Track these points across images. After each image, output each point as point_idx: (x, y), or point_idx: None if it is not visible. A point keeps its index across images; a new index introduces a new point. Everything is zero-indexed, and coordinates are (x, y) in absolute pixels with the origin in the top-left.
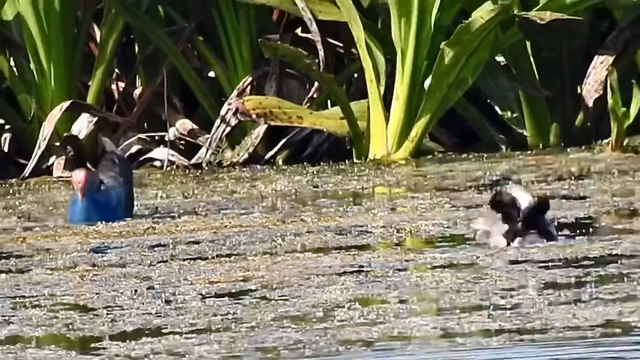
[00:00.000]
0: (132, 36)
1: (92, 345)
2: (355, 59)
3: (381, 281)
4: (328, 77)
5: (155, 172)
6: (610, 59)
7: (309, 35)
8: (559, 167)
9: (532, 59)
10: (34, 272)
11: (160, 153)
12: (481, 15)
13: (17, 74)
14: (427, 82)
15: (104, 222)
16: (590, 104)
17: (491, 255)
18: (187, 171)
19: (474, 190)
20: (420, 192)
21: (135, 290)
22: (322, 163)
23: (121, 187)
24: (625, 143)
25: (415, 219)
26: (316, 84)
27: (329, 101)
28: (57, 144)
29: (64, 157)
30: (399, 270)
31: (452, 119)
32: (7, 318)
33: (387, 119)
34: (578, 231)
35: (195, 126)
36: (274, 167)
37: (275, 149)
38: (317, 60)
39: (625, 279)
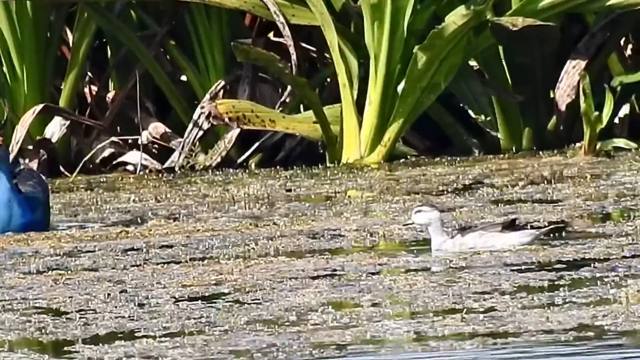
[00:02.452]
0: (104, 40)
1: (65, 348)
2: (328, 63)
3: (354, 285)
4: (301, 81)
5: (128, 176)
6: (583, 64)
7: (281, 40)
8: (531, 170)
9: (504, 64)
10: (7, 276)
11: (133, 157)
12: (454, 20)
13: None
14: (401, 87)
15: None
16: (563, 108)
17: (464, 258)
18: (160, 175)
19: (447, 194)
20: (393, 196)
21: (109, 294)
22: (295, 167)
23: (39, 194)
24: (597, 147)
25: (388, 223)
26: (289, 88)
27: (301, 105)
28: (30, 147)
29: (37, 160)
30: (372, 273)
31: (425, 123)
32: None
33: (360, 123)
34: (551, 235)
35: (168, 130)
36: (247, 171)
37: (248, 152)
38: (289, 64)
39: (598, 282)
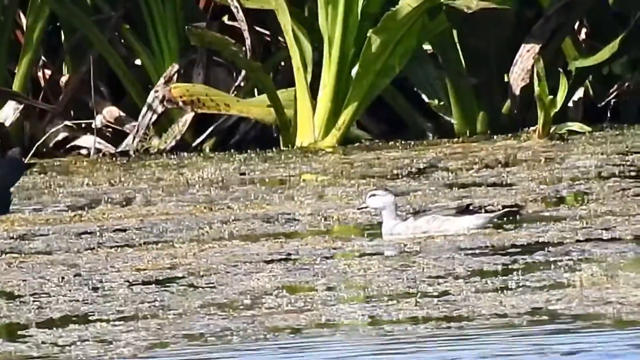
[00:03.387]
0: (58, 24)
1: (19, 332)
2: (282, 47)
3: (309, 269)
4: (255, 65)
5: (82, 160)
6: (537, 48)
7: (235, 23)
8: (485, 154)
9: (459, 48)
10: None
11: (87, 141)
12: (408, 2)
13: None
14: (355, 70)
15: None
16: (517, 92)
17: (418, 242)
18: (114, 159)
19: (401, 178)
20: (347, 180)
21: (62, 278)
22: (249, 151)
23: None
24: (551, 131)
25: (342, 207)
26: (243, 72)
27: (256, 89)
28: None
29: None
30: (327, 257)
31: (379, 107)
32: None
33: (314, 107)
34: (505, 219)
35: (122, 114)
36: (201, 155)
37: (203, 136)
38: (244, 48)
39: (552, 266)
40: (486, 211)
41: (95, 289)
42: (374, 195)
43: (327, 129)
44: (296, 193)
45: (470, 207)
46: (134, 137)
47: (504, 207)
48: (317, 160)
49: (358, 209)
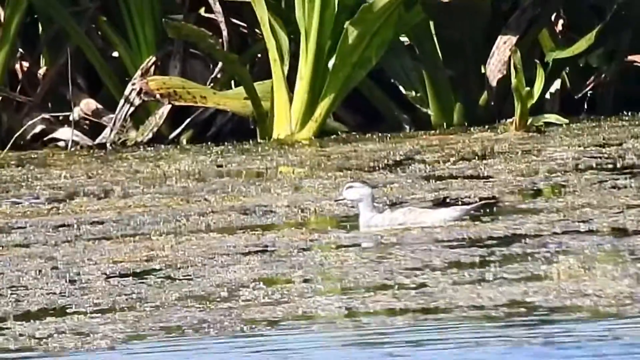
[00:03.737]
0: (35, 16)
1: None
2: (259, 39)
3: (285, 261)
4: (232, 57)
5: (59, 152)
6: (514, 39)
7: (212, 16)
8: (462, 146)
9: (435, 40)
10: None
11: (65, 133)
12: None
13: None
14: (331, 62)
15: None
16: (494, 83)
17: (395, 235)
18: (91, 151)
19: (378, 170)
20: (324, 172)
21: (40, 271)
22: (226, 143)
23: None
24: (528, 122)
25: (319, 199)
26: (220, 64)
27: (232, 81)
28: None
29: None
30: (304, 249)
31: (356, 99)
32: None
33: (291, 99)
34: (482, 211)
35: (99, 106)
36: (178, 147)
37: (179, 128)
38: (220, 41)
39: (529, 258)
40: (463, 203)
41: (72, 282)
42: (351, 187)
43: (304, 121)
44: (273, 185)
45: (447, 200)
46: (111, 130)
47: (480, 199)
48: (294, 153)
49: (335, 201)
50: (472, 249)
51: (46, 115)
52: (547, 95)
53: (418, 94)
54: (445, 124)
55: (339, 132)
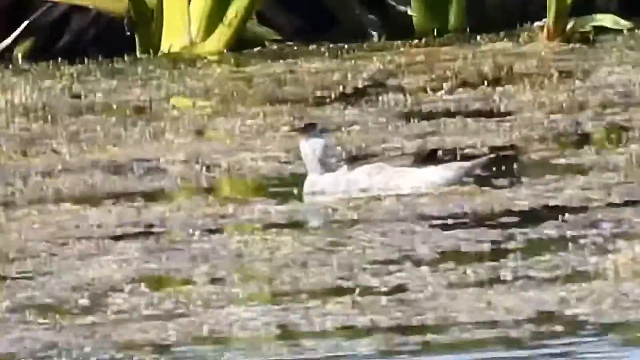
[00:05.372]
0: None
1: None
2: None
3: (182, 249)
4: None
5: None
6: None
7: None
8: (463, 65)
9: None
10: None
11: None
12: None
13: None
14: None
15: None
16: None
17: (356, 207)
18: None
19: (329, 103)
20: (243, 107)
21: None
22: (86, 59)
23: None
24: (568, 27)
25: (234, 150)
26: None
27: None
28: None
29: None
30: (211, 231)
31: None
32: None
33: None
34: (495, 169)
35: None
36: (11, 66)
37: (13, 36)
38: None
39: (570, 245)
40: (463, 157)
41: None
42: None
43: (211, 24)
44: (162, 128)
45: (438, 152)
46: None
47: (492, 150)
48: (195, 75)
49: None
50: (480, 231)
51: None
52: None
53: None
54: (435, 29)
55: (267, 42)
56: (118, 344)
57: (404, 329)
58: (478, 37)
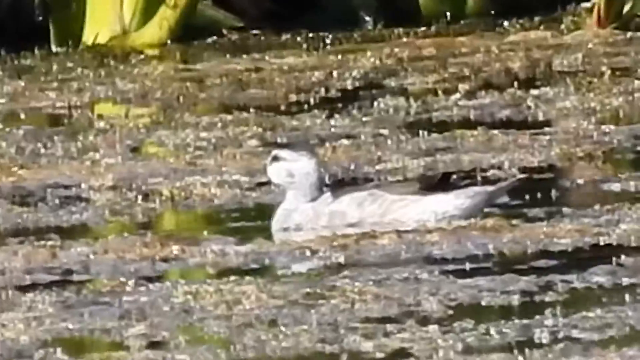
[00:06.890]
0: None
1: None
2: None
3: (110, 303)
4: None
5: None
6: None
7: None
8: (485, 60)
9: None
10: None
11: None
12: None
13: None
14: None
15: None
16: None
17: (342, 247)
18: None
19: (307, 111)
20: (192, 116)
21: None
22: None
23: None
24: (625, 10)
25: (180, 173)
26: None
27: None
28: None
29: None
30: (149, 280)
31: None
32: None
33: None
34: (528, 196)
35: None
36: None
37: None
38: None
39: (627, 296)
40: (485, 182)
41: None
42: (276, 158)
43: (149, 9)
44: (84, 143)
45: (452, 175)
46: None
47: (523, 171)
48: (129, 74)
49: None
50: (506, 279)
51: None
52: None
53: None
54: (448, 14)
55: (225, 30)
56: None
57: None
58: (505, 24)
